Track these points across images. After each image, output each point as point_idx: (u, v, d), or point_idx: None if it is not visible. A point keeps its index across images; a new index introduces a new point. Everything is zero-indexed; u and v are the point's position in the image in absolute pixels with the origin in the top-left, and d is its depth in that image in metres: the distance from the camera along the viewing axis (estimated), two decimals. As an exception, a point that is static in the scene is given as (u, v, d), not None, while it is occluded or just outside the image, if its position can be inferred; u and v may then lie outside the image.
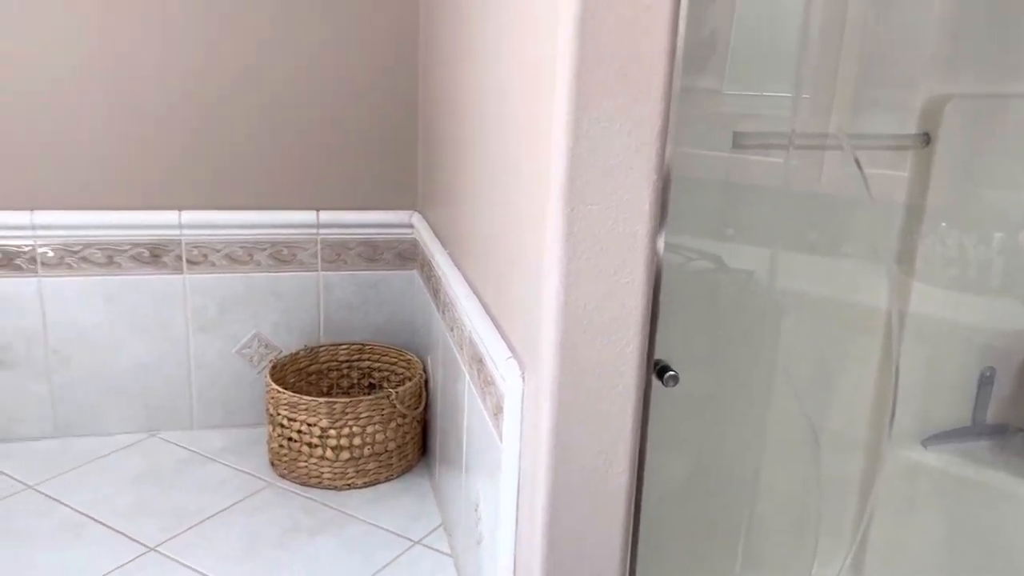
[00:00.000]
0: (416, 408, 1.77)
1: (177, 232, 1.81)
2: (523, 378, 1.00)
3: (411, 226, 1.93)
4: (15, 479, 1.67)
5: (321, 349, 1.93)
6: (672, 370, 0.98)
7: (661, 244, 0.92)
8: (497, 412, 1.09)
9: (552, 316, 0.89)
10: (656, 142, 0.87)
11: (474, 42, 1.30)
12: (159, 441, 1.86)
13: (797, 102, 1.21)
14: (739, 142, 1.22)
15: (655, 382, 0.98)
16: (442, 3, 1.58)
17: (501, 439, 1.06)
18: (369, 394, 1.93)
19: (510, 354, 1.05)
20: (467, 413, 1.34)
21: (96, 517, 1.56)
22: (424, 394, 1.80)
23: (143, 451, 1.82)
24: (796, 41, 1.18)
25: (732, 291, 1.26)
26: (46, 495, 1.62)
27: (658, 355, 0.98)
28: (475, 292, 1.31)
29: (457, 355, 1.41)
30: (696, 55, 1.11)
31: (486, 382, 1.15)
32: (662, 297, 0.95)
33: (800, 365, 1.27)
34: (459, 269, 1.45)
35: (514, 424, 1.01)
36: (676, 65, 0.87)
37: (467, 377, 1.31)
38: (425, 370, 1.83)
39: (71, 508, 1.58)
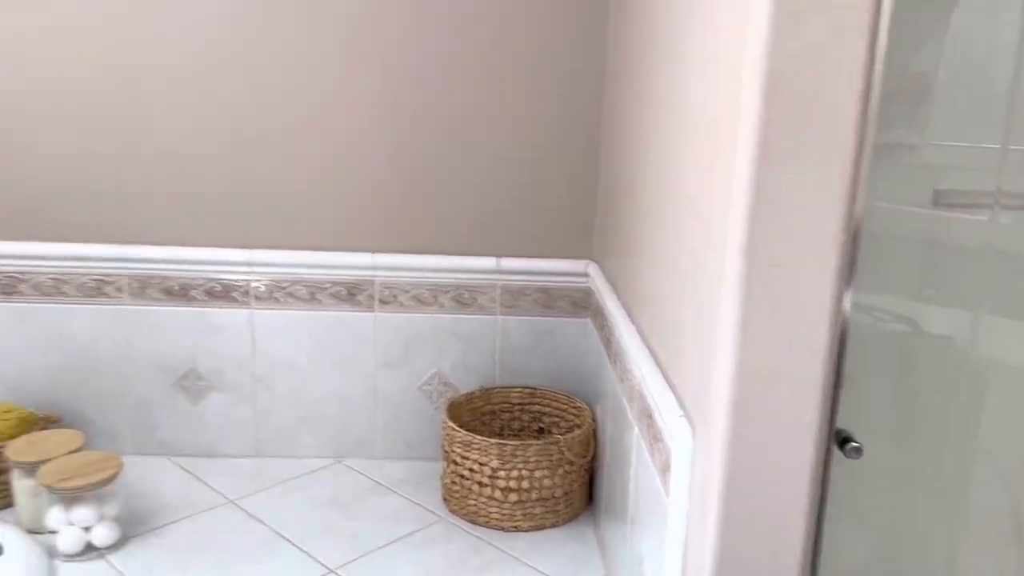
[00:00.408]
0: (584, 456, 1.77)
1: (371, 273, 1.95)
2: (693, 437, 0.98)
3: (586, 275, 1.96)
4: (219, 492, 1.84)
5: (495, 391, 1.99)
6: (855, 441, 0.93)
7: (848, 305, 0.88)
8: (665, 469, 1.07)
9: (727, 377, 0.88)
10: (844, 199, 0.84)
11: (655, 96, 1.32)
12: (345, 468, 1.99)
13: (1006, 155, 1.12)
14: (941, 200, 1.15)
15: (836, 452, 0.93)
16: (626, 58, 1.61)
17: (668, 496, 1.05)
18: (539, 438, 1.96)
19: (681, 412, 1.04)
20: (634, 466, 1.33)
21: (286, 535, 1.68)
22: (593, 443, 1.80)
23: (331, 476, 1.94)
24: (1007, 87, 1.10)
25: (927, 357, 1.17)
26: (245, 510, 1.77)
27: (841, 423, 0.93)
28: (647, 345, 1.31)
29: (626, 407, 1.40)
30: (894, 104, 1.07)
31: (655, 437, 1.14)
32: (848, 361, 0.90)
33: (1004, 445, 1.16)
34: (632, 321, 1.46)
35: (682, 483, 1.00)
36: (870, 117, 0.84)
37: (636, 430, 1.31)
38: (594, 418, 1.84)
39: (265, 525, 1.72)
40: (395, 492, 1.88)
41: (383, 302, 1.97)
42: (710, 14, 1.00)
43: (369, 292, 1.96)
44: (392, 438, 2.04)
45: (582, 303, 1.98)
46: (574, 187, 1.94)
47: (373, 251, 1.95)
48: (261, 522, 1.73)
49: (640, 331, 1.38)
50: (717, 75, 0.95)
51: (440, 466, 1.92)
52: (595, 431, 1.82)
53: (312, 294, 1.95)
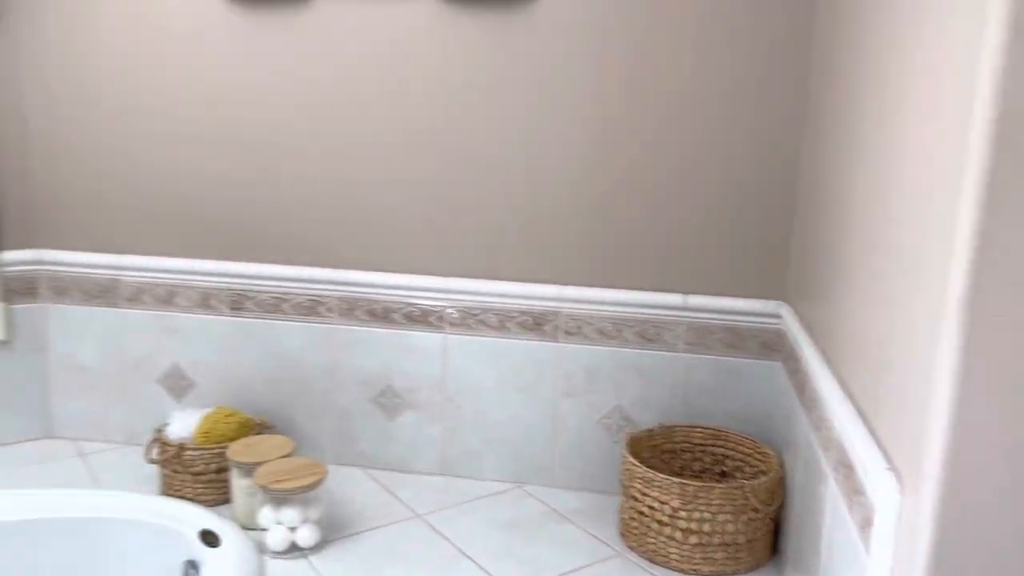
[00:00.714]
0: (770, 504, 1.72)
1: (558, 305, 2.00)
2: (901, 493, 0.94)
3: (778, 316, 1.91)
4: (408, 507, 1.95)
5: (677, 429, 1.97)
6: (1091, 513, 0.85)
7: (1083, 366, 0.81)
8: (865, 524, 1.03)
9: (941, 434, 0.83)
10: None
11: (864, 135, 1.28)
12: (524, 493, 2.04)
13: None
14: None
15: (1067, 523, 0.85)
16: (833, 95, 1.57)
17: (868, 553, 1.00)
18: (721, 481, 1.92)
19: (887, 465, 0.99)
20: (828, 519, 1.27)
21: (469, 554, 1.75)
22: (780, 491, 1.74)
23: (511, 500, 2.00)
24: None
25: None
26: (431, 526, 1.87)
27: (1074, 492, 0.85)
28: (847, 392, 1.25)
29: (821, 456, 1.35)
30: None
31: (855, 490, 1.09)
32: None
33: None
34: (830, 367, 1.40)
35: (885, 540, 0.95)
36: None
37: (831, 481, 1.26)
38: (782, 466, 1.77)
39: (450, 541, 1.80)
40: (572, 522, 1.90)
41: (568, 333, 2.01)
42: (935, 51, 0.96)
43: (555, 323, 2.01)
44: (570, 467, 2.06)
45: (772, 345, 1.93)
46: (768, 226, 1.90)
47: (561, 283, 2.00)
48: (446, 538, 1.81)
49: (839, 378, 1.33)
50: (938, 109, 0.91)
51: (617, 500, 1.93)
52: (782, 479, 1.75)
53: (501, 322, 2.03)
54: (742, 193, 1.89)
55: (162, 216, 2.12)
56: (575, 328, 2.01)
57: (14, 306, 2.15)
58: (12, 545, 1.66)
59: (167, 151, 2.09)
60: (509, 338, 2.03)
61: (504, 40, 1.91)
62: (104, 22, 2.05)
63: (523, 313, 2.02)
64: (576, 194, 1.96)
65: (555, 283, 2.00)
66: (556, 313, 2.01)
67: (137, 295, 2.16)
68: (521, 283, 2.02)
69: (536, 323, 2.02)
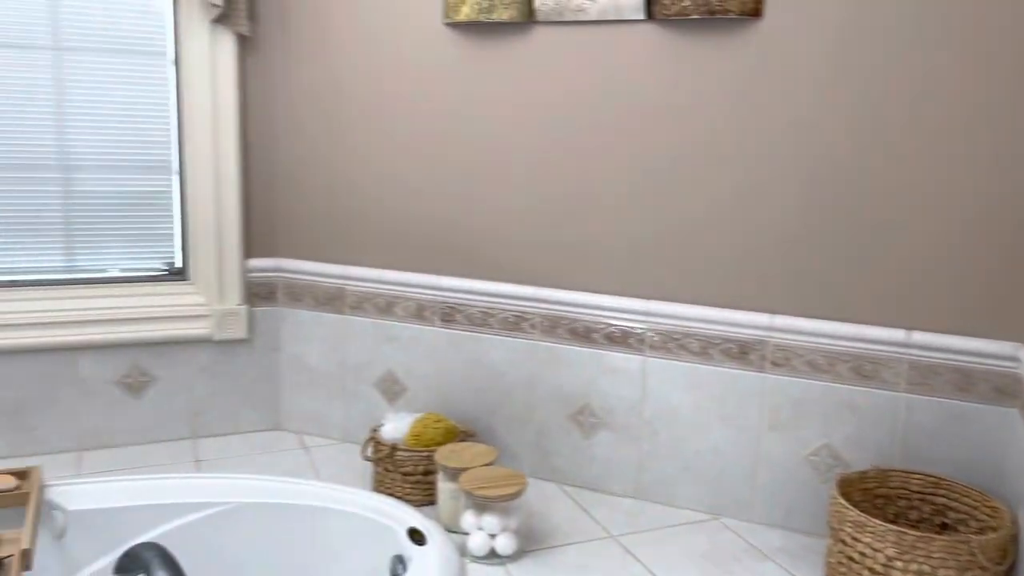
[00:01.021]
0: (1000, 563, 1.56)
1: (766, 334, 1.94)
2: None
3: (1016, 360, 1.74)
4: (603, 526, 1.96)
5: (893, 473, 1.84)
6: None
7: None
8: None
9: None
10: None
11: None
12: (721, 526, 1.99)
13: None
14: None
15: None
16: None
17: None
18: (941, 533, 1.78)
19: None
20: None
21: (663, 579, 1.74)
22: (1012, 550, 1.58)
23: (708, 531, 1.96)
24: None
25: None
26: (625, 548, 1.87)
27: None
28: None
29: (1073, 518, 1.22)
30: None
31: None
32: None
33: None
34: (1086, 419, 1.26)
35: None
36: None
37: (1087, 547, 1.13)
38: (1015, 522, 1.61)
39: (643, 565, 1.79)
40: (772, 560, 1.83)
41: (775, 364, 1.95)
42: None
43: (761, 352, 1.95)
44: (771, 504, 1.99)
45: (1008, 390, 1.76)
46: (1006, 261, 1.74)
47: (770, 312, 1.94)
48: (640, 562, 1.80)
49: (1097, 433, 1.19)
50: None
51: (821, 542, 1.83)
52: (1015, 536, 1.59)
53: (704, 348, 2.00)
54: (976, 224, 1.75)
55: (385, 232, 2.29)
56: (783, 359, 1.94)
57: (255, 308, 2.40)
58: (246, 523, 1.85)
59: (390, 172, 2.25)
60: (711, 365, 2.00)
61: (723, 66, 1.89)
62: (343, 49, 2.25)
63: (727, 340, 1.98)
64: (792, 220, 1.90)
65: (764, 311, 1.94)
66: (763, 342, 1.95)
67: (360, 303, 2.33)
68: (726, 309, 1.98)
69: (741, 351, 1.97)
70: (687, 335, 2.02)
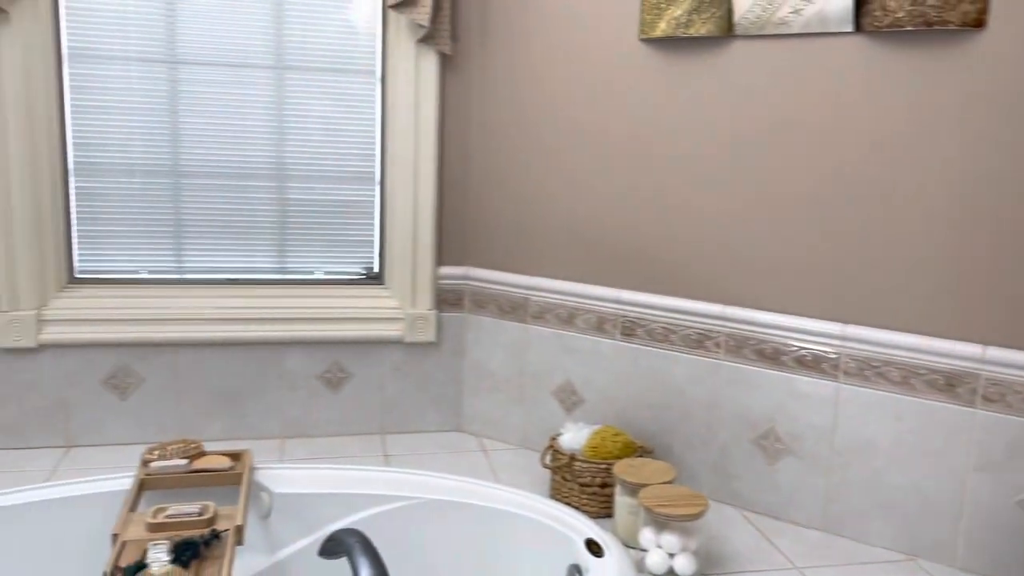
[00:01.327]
0: None
1: (978, 366, 1.80)
2: None
3: None
4: (787, 557, 1.89)
5: None
6: None
7: None
8: None
9: None
10: None
11: None
12: (918, 567, 1.86)
13: None
14: None
15: None
16: None
17: None
18: None
19: None
20: None
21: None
22: None
23: (902, 572, 1.84)
24: None
25: None
26: (811, 580, 1.79)
27: None
28: None
29: None
30: None
31: None
32: None
33: None
34: None
35: None
36: None
37: None
38: None
39: (832, 601, 1.71)
40: (977, 612, 1.70)
41: (987, 399, 1.80)
42: None
43: (972, 386, 1.81)
44: (977, 548, 1.84)
45: None
46: None
47: (984, 343, 1.80)
48: (828, 598, 1.73)
49: None
50: None
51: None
52: None
53: (905, 378, 1.88)
54: None
55: (569, 245, 2.32)
56: (997, 395, 1.79)
57: (443, 314, 2.51)
58: (433, 519, 1.93)
59: (579, 187, 2.29)
60: (913, 396, 1.88)
61: (939, 80, 1.78)
62: (538, 66, 2.31)
63: (932, 371, 1.85)
64: (1007, 243, 1.75)
65: (977, 342, 1.80)
66: (974, 375, 1.81)
67: (542, 313, 2.38)
68: (931, 337, 1.85)
69: (948, 383, 1.84)
70: (887, 363, 1.91)
